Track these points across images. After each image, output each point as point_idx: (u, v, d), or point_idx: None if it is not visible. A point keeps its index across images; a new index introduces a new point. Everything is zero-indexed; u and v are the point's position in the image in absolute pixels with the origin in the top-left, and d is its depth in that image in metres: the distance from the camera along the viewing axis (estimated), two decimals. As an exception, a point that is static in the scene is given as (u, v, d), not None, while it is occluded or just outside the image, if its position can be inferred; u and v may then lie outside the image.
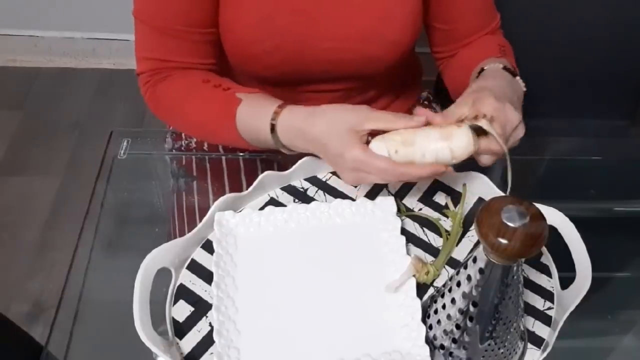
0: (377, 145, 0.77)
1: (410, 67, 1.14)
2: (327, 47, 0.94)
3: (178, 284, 0.79)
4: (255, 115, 0.85)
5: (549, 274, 0.81)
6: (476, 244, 0.79)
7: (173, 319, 0.76)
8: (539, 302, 0.79)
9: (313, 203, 0.85)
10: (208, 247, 0.81)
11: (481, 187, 0.88)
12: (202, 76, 0.93)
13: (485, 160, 0.79)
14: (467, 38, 1.01)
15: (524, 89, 0.90)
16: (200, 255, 0.81)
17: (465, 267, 0.66)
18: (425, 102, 1.20)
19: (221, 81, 0.92)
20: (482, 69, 0.90)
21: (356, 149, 0.76)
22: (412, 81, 1.17)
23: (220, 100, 0.89)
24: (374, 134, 0.78)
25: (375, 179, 0.78)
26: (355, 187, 0.89)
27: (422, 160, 0.76)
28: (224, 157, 1.07)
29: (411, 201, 0.88)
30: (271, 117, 0.82)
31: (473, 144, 0.76)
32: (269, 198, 0.88)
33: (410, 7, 0.94)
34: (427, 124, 0.78)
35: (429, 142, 0.76)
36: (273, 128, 0.82)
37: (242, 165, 1.05)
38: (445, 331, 0.70)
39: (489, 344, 0.68)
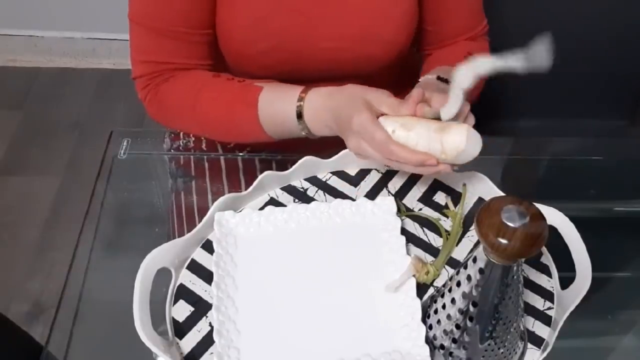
0: (380, 122, 0.78)
1: (407, 67, 1.14)
2: (323, 47, 0.94)
3: (178, 284, 0.79)
4: (280, 99, 0.86)
5: (549, 274, 0.81)
6: (476, 244, 0.79)
7: (173, 319, 0.76)
8: (539, 302, 0.79)
9: (313, 203, 0.85)
10: (208, 247, 0.81)
11: (481, 187, 0.88)
12: (211, 72, 0.93)
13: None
14: (450, 39, 1.02)
15: None
16: (200, 255, 0.81)
17: (465, 267, 0.66)
18: None
19: (232, 75, 0.92)
20: (418, 81, 0.93)
21: (364, 115, 0.77)
22: (410, 81, 1.17)
23: (238, 91, 0.89)
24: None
25: (369, 151, 0.79)
26: (356, 187, 0.89)
27: (415, 147, 0.76)
28: (222, 157, 1.07)
29: (411, 201, 0.88)
30: (297, 98, 0.85)
31: (465, 143, 0.74)
32: (269, 198, 0.88)
33: (405, 7, 0.95)
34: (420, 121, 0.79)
35: (427, 131, 0.76)
36: (300, 109, 0.84)
37: (241, 164, 1.05)
38: (445, 331, 0.70)
39: (489, 344, 0.68)
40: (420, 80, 0.93)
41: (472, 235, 0.84)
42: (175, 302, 0.78)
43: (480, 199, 0.89)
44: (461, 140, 0.75)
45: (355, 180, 0.90)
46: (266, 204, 0.86)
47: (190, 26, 0.91)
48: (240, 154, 1.03)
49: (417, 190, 0.89)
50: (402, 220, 0.84)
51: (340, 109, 0.81)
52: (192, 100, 0.92)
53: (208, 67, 0.96)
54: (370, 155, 0.79)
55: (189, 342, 0.74)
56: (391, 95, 0.81)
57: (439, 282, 0.79)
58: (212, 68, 0.97)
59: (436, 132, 0.76)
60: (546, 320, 0.77)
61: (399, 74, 1.11)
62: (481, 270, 0.64)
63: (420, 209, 0.87)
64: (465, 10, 1.02)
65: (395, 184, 0.90)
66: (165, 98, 0.94)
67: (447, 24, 1.01)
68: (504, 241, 0.59)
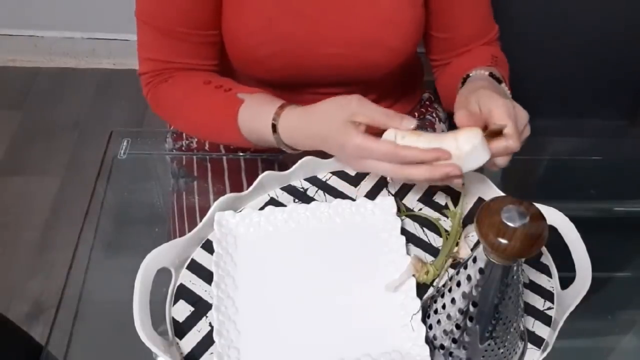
0: (388, 132, 0.77)
1: (411, 70, 1.14)
2: (328, 52, 0.94)
3: (178, 284, 0.79)
4: (256, 116, 0.85)
5: (549, 274, 0.81)
6: (476, 244, 0.79)
7: (173, 319, 0.76)
8: (539, 302, 0.79)
9: (313, 203, 0.85)
10: (208, 247, 0.81)
11: (481, 187, 0.88)
12: (204, 77, 0.93)
13: (501, 161, 0.78)
14: (464, 47, 1.02)
15: (509, 97, 0.89)
16: (200, 255, 0.81)
17: (465, 267, 0.66)
18: (427, 103, 1.20)
19: (223, 82, 0.92)
20: (468, 76, 0.90)
21: (355, 137, 0.76)
22: (413, 84, 1.17)
23: (221, 102, 0.89)
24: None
25: (379, 166, 0.77)
26: (356, 187, 0.89)
27: (428, 146, 0.75)
28: (224, 157, 1.07)
29: (411, 201, 0.88)
30: (272, 118, 0.83)
31: (480, 138, 0.74)
32: (269, 198, 0.88)
33: (411, 15, 0.94)
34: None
35: (438, 134, 0.76)
36: (275, 128, 0.83)
37: (243, 165, 1.05)
38: (445, 331, 0.70)
39: (489, 344, 0.68)
40: (471, 74, 0.90)
41: (472, 235, 0.84)
42: (175, 302, 0.78)
43: (480, 199, 0.89)
44: (476, 135, 0.74)
45: (355, 180, 0.90)
46: (266, 204, 0.86)
47: (190, 26, 0.91)
48: (242, 154, 1.03)
49: (417, 190, 0.89)
50: (402, 220, 0.84)
51: (323, 134, 0.79)
52: (181, 104, 0.93)
53: (212, 67, 0.96)
54: (381, 170, 0.78)
55: (189, 342, 0.74)
56: (362, 101, 0.78)
57: (439, 282, 0.79)
58: (217, 68, 0.97)
59: (449, 135, 0.75)
60: (546, 320, 0.77)
61: (401, 80, 1.11)
62: (481, 270, 0.64)
63: (420, 209, 0.87)
64: (477, 17, 1.01)
65: (395, 184, 0.90)
66: (161, 98, 0.95)
67: (460, 31, 1.01)
68: (504, 241, 0.59)
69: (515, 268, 0.63)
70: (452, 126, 0.92)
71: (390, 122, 0.77)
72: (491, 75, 0.89)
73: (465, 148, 0.74)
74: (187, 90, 0.93)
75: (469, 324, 0.67)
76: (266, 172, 0.86)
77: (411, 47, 0.98)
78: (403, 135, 0.76)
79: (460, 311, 0.67)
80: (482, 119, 0.77)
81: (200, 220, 0.82)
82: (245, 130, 0.87)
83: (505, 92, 0.88)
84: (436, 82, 1.09)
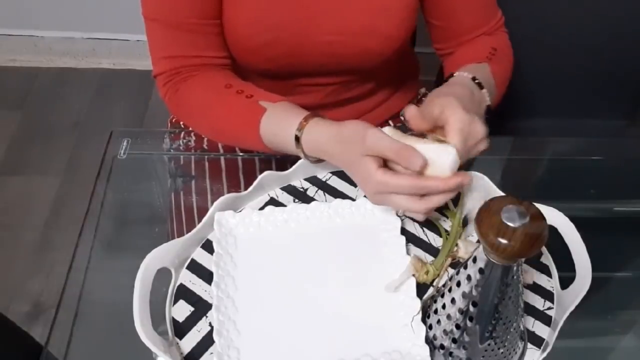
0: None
1: (407, 63, 1.14)
2: (323, 40, 0.94)
3: (178, 284, 0.79)
4: (279, 127, 0.84)
5: (549, 274, 0.81)
6: (476, 244, 0.79)
7: (173, 319, 0.76)
8: (539, 302, 0.79)
9: (313, 203, 0.85)
10: (208, 247, 0.81)
11: (481, 187, 0.88)
12: (224, 80, 0.92)
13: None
14: (464, 36, 1.01)
15: (488, 103, 0.89)
16: (200, 255, 0.81)
17: (465, 267, 0.66)
18: (423, 99, 1.21)
19: (243, 86, 0.91)
20: (452, 74, 0.90)
21: (375, 174, 0.75)
22: (410, 77, 1.18)
23: (243, 109, 0.89)
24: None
25: (400, 202, 0.76)
26: (356, 187, 0.89)
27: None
28: (222, 157, 1.07)
29: (411, 201, 0.88)
30: (296, 129, 0.82)
31: (454, 154, 0.75)
32: (269, 198, 0.88)
33: (405, 1, 0.94)
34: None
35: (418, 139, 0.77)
36: (298, 140, 0.82)
37: (241, 164, 1.05)
38: (445, 331, 0.70)
39: (489, 344, 0.68)
40: (455, 74, 0.90)
41: (472, 235, 0.84)
42: (175, 302, 0.78)
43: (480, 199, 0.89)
44: (450, 152, 0.74)
45: (355, 180, 0.90)
46: (266, 204, 0.86)
47: (199, 17, 0.91)
48: (241, 153, 1.03)
49: (417, 190, 0.89)
50: (402, 220, 0.84)
51: (346, 165, 0.80)
52: (204, 109, 0.93)
53: (225, 60, 0.96)
54: (403, 206, 0.77)
55: (189, 342, 0.74)
56: (377, 136, 0.76)
57: (439, 282, 0.79)
58: (229, 60, 0.97)
59: (428, 141, 0.76)
60: (546, 320, 0.77)
61: (397, 72, 1.11)
62: (481, 270, 0.64)
63: (420, 209, 0.87)
64: (475, 5, 1.00)
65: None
66: (182, 100, 0.94)
67: (459, 19, 1.00)
68: (504, 241, 0.59)
69: (515, 268, 0.63)
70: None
71: (400, 161, 0.74)
72: (474, 79, 0.88)
73: (435, 151, 0.75)
74: (208, 94, 0.92)
75: (469, 323, 0.67)
76: (266, 172, 0.86)
77: (405, 34, 0.97)
78: (399, 137, 0.77)
79: (460, 311, 0.67)
80: (431, 121, 0.78)
81: (199, 220, 0.82)
82: (267, 139, 0.86)
83: (480, 100, 0.87)
84: (444, 73, 1.08)
